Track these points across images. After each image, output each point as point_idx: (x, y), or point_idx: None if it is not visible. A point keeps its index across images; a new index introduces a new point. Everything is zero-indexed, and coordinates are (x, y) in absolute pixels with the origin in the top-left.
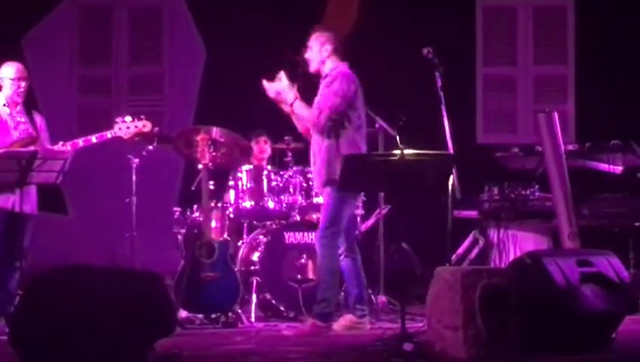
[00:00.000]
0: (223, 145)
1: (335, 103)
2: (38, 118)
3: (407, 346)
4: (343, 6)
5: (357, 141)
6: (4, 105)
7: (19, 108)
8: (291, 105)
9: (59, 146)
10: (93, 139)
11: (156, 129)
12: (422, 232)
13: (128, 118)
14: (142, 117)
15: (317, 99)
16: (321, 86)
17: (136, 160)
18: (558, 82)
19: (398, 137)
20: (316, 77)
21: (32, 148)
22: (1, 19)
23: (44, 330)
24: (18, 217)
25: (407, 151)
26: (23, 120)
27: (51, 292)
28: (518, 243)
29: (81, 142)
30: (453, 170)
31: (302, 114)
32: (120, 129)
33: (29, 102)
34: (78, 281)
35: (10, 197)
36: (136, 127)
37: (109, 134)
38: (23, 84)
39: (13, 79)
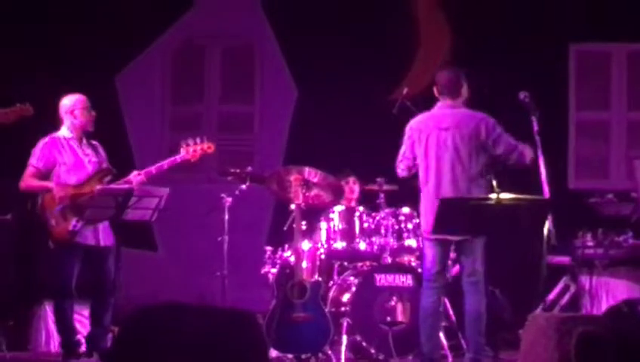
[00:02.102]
0: (316, 186)
1: None
2: (100, 149)
3: None
4: (435, 49)
5: None
6: (72, 138)
7: (84, 141)
8: None
9: (134, 175)
10: (165, 165)
11: (249, 169)
12: (514, 277)
13: (191, 140)
14: (205, 138)
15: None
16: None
17: (229, 199)
18: None
19: (495, 182)
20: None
21: (127, 185)
22: (96, 57)
23: None
24: (99, 251)
25: (503, 196)
26: (90, 152)
27: (147, 329)
28: (611, 290)
29: (154, 169)
30: (549, 216)
31: None
32: (187, 152)
33: (121, 138)
34: (174, 319)
35: (95, 232)
36: (202, 149)
37: (178, 159)
38: (92, 112)
39: (84, 108)
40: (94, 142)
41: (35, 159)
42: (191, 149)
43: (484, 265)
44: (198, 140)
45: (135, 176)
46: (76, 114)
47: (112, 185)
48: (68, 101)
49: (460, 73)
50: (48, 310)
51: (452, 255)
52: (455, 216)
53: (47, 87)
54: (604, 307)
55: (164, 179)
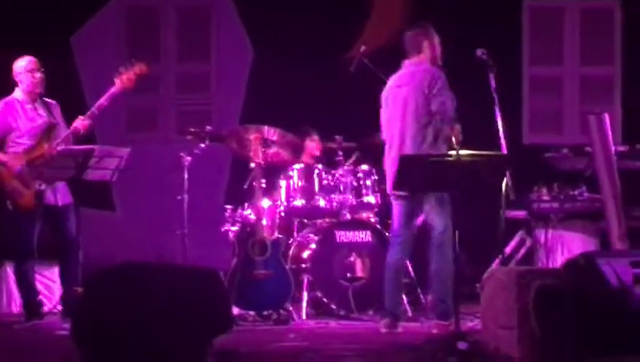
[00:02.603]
0: (275, 144)
1: None
2: (54, 106)
3: (462, 345)
4: (390, 6)
5: None
6: (24, 101)
7: (38, 102)
8: None
9: (79, 121)
10: (104, 101)
11: (208, 128)
12: (472, 232)
13: (123, 69)
14: (133, 60)
15: None
16: None
17: (189, 158)
18: (605, 83)
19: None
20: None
21: (89, 146)
22: (50, 19)
23: (105, 329)
24: (58, 210)
25: (462, 152)
26: (44, 113)
27: (110, 290)
28: (566, 244)
29: (95, 109)
30: (507, 172)
31: None
32: (122, 81)
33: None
34: (137, 279)
35: (54, 192)
36: (134, 73)
37: (114, 90)
38: (37, 74)
39: (28, 71)
40: (50, 102)
41: None
42: (125, 77)
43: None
44: (127, 66)
45: (80, 121)
46: (21, 78)
47: (73, 146)
48: (16, 64)
49: (420, 31)
50: (9, 271)
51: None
52: (415, 173)
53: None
54: (559, 260)
55: (123, 140)
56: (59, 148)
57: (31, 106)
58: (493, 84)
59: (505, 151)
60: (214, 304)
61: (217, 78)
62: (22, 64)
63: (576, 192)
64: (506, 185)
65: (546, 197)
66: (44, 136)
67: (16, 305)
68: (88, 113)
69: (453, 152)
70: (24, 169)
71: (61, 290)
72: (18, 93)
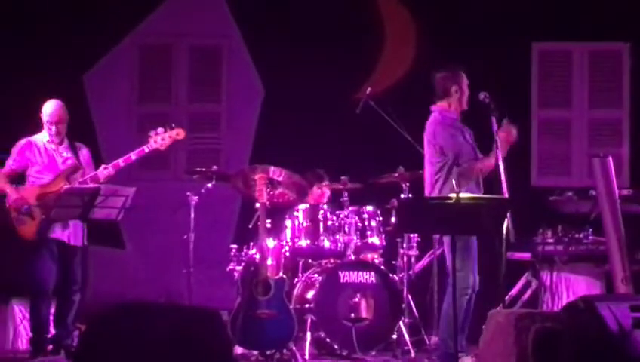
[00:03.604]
0: (281, 184)
1: None
2: (82, 151)
3: None
4: (399, 49)
5: None
6: (49, 141)
7: (64, 143)
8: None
9: (101, 170)
10: (132, 156)
11: (215, 167)
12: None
13: (161, 129)
14: (173, 125)
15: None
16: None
17: (195, 197)
18: (613, 126)
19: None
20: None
21: (94, 184)
22: (64, 56)
23: None
24: (67, 249)
25: (462, 195)
26: (69, 155)
27: (112, 329)
28: (571, 286)
29: (121, 162)
30: (508, 214)
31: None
32: (155, 141)
33: (89, 136)
34: (139, 318)
35: (66, 230)
36: (170, 136)
37: (146, 149)
38: (53, 128)
39: (49, 123)
40: (78, 144)
41: (11, 159)
42: (159, 138)
43: (462, 269)
44: (166, 128)
45: (102, 170)
46: (45, 124)
47: (79, 185)
48: (44, 111)
49: (445, 75)
50: (15, 308)
51: (415, 252)
52: (415, 216)
53: (17, 85)
54: (564, 302)
55: (132, 178)
56: (65, 187)
57: (54, 146)
58: (495, 126)
59: (506, 194)
60: (215, 345)
61: (228, 118)
62: (47, 112)
63: (581, 235)
64: (507, 227)
65: (550, 240)
66: (65, 175)
67: (22, 343)
68: (113, 163)
69: (453, 195)
70: (33, 201)
71: (52, 330)
72: (45, 135)
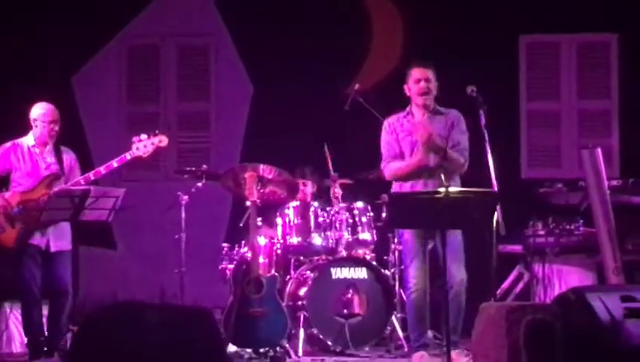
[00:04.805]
0: (271, 182)
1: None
2: (67, 156)
3: None
4: (387, 44)
5: None
6: (34, 145)
7: (48, 147)
8: (445, 149)
9: (81, 181)
10: (114, 163)
11: (204, 167)
12: (467, 268)
13: (144, 136)
14: (157, 132)
15: (456, 137)
16: (435, 122)
17: (186, 197)
18: (602, 117)
19: (443, 176)
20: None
21: (84, 186)
22: (52, 58)
23: None
24: (49, 256)
25: (451, 189)
26: (52, 160)
27: (104, 329)
28: (563, 277)
29: (102, 169)
30: (498, 207)
31: (454, 157)
32: (138, 148)
33: (78, 137)
34: (130, 318)
35: (45, 236)
36: (152, 143)
37: (128, 156)
38: (54, 127)
39: (44, 122)
40: (63, 148)
41: None
42: (142, 145)
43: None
44: (149, 135)
45: (82, 181)
46: (37, 124)
47: (69, 186)
48: (33, 110)
49: None
50: (8, 311)
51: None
52: (405, 211)
53: (4, 88)
54: (556, 294)
55: (122, 178)
56: (55, 189)
57: (38, 150)
58: (483, 120)
59: (495, 188)
60: (208, 343)
61: (217, 117)
62: (40, 112)
63: (572, 226)
64: (497, 220)
65: (541, 232)
66: (45, 183)
67: (16, 346)
68: (94, 171)
69: (442, 189)
70: (14, 207)
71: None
72: (30, 138)
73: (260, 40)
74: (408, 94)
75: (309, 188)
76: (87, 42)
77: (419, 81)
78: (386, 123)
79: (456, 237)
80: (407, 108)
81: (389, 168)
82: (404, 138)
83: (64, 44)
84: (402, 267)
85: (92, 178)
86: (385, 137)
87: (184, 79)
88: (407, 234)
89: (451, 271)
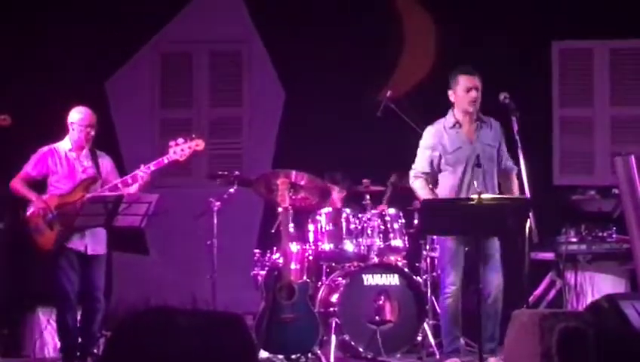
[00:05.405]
0: (303, 189)
1: None
2: (104, 160)
3: None
4: (419, 50)
5: None
6: (70, 149)
7: (85, 151)
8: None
9: (121, 185)
10: (152, 167)
11: (237, 172)
12: None
13: (181, 140)
14: (193, 136)
15: (504, 148)
16: (483, 131)
17: (218, 203)
18: (635, 123)
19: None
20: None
21: (118, 192)
22: (86, 63)
23: None
24: (86, 259)
25: (484, 196)
26: (89, 164)
27: (136, 335)
28: (596, 285)
29: (140, 172)
30: (530, 214)
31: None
32: (175, 152)
33: (112, 143)
34: (162, 324)
35: (83, 239)
36: (189, 147)
37: (165, 160)
38: (91, 131)
39: (81, 125)
40: (99, 153)
41: (30, 166)
42: (179, 149)
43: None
44: (186, 139)
45: (124, 188)
46: (74, 127)
47: (102, 193)
48: (71, 115)
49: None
50: (41, 317)
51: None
52: (437, 218)
53: (40, 94)
54: (589, 302)
55: (154, 184)
56: (88, 195)
57: (75, 155)
58: (516, 127)
59: (528, 194)
60: (240, 349)
61: (249, 122)
62: (78, 116)
63: (605, 234)
64: (530, 227)
65: (574, 239)
66: (82, 186)
67: (49, 351)
68: (131, 175)
69: (475, 196)
70: (53, 211)
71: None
72: (66, 142)
73: (292, 46)
74: (453, 100)
75: (335, 193)
76: (121, 48)
77: (469, 89)
78: (429, 130)
79: (494, 242)
80: (451, 117)
81: (415, 184)
82: (454, 152)
83: (98, 50)
84: (438, 272)
85: (130, 181)
86: (424, 144)
87: (216, 85)
88: (449, 240)
89: (489, 276)
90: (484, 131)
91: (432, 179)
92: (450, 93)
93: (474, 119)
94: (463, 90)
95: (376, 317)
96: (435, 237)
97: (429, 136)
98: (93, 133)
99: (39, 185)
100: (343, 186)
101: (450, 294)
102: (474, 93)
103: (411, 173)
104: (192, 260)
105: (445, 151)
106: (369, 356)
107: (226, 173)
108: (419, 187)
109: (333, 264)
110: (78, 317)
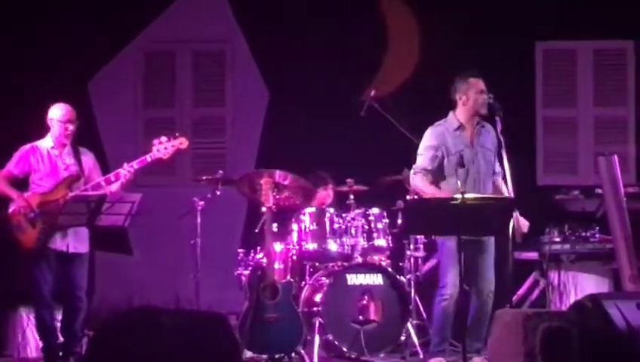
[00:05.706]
0: (286, 188)
1: None
2: (86, 157)
3: None
4: (404, 50)
5: None
6: (52, 147)
7: (67, 149)
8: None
9: (100, 181)
10: (135, 165)
11: (220, 173)
12: None
13: (164, 138)
14: (177, 134)
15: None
16: (483, 135)
17: (202, 202)
18: (618, 123)
19: (459, 183)
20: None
21: (100, 190)
22: (68, 63)
23: None
24: (67, 257)
25: (468, 195)
26: (71, 161)
27: (120, 334)
28: (579, 284)
29: (123, 171)
30: (516, 214)
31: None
32: (158, 151)
33: (95, 142)
34: (146, 324)
35: (65, 238)
36: (173, 146)
37: (148, 158)
38: (70, 126)
39: (60, 121)
40: (82, 149)
41: (12, 164)
42: (162, 147)
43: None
44: (170, 137)
45: (106, 186)
46: (53, 124)
47: (84, 192)
48: (50, 111)
49: (454, 84)
50: (24, 316)
51: (422, 253)
52: (421, 218)
53: (22, 93)
54: (572, 301)
55: (137, 183)
56: (71, 194)
57: (57, 152)
58: (500, 127)
59: (512, 194)
60: (224, 349)
61: (233, 122)
62: (56, 111)
63: (588, 233)
64: (513, 227)
65: (557, 239)
66: (65, 183)
67: (32, 350)
68: (114, 173)
69: (458, 195)
70: (35, 209)
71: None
72: (48, 140)
73: (276, 46)
74: (462, 103)
75: (328, 193)
76: (103, 48)
77: (483, 92)
78: (431, 132)
79: (491, 240)
80: (453, 119)
81: (418, 181)
82: (456, 154)
83: (80, 49)
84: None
85: (112, 179)
86: (427, 144)
87: (200, 85)
88: (450, 242)
89: (488, 276)
90: (484, 135)
91: (432, 178)
92: (458, 96)
93: (475, 122)
94: (477, 93)
95: (360, 317)
96: (434, 237)
97: (432, 137)
98: (72, 128)
99: (22, 183)
100: (331, 182)
101: (448, 295)
102: (485, 96)
103: (411, 172)
104: (176, 260)
105: (448, 153)
106: (353, 356)
107: (210, 176)
108: (419, 180)
109: (317, 263)
110: (59, 316)
